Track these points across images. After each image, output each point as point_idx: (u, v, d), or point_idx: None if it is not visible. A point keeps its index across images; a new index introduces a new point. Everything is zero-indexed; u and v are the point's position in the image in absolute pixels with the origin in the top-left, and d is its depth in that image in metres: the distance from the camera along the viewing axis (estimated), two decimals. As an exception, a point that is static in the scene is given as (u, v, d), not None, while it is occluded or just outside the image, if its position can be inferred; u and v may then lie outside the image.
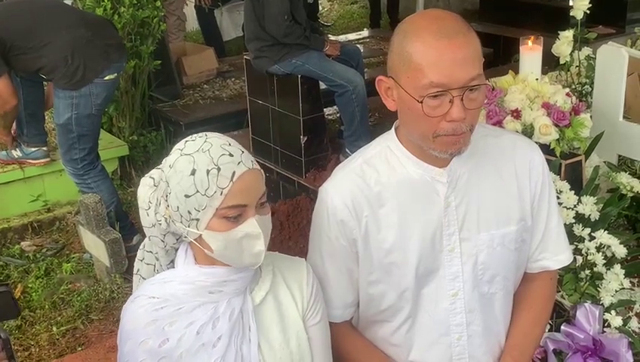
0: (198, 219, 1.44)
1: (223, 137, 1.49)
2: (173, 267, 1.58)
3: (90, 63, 3.83)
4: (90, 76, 3.84)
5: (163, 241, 1.56)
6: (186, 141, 1.48)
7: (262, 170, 1.50)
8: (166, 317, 1.47)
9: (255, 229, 1.45)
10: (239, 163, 1.44)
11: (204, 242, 1.46)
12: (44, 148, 4.57)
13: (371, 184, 1.64)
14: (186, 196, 1.43)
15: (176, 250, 1.58)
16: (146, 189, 1.54)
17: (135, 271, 1.66)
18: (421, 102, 1.48)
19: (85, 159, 4.03)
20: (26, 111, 4.31)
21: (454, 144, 1.54)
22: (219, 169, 1.41)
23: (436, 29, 1.46)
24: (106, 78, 3.90)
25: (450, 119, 1.49)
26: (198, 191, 1.41)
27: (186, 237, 1.50)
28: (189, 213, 1.44)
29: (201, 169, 1.42)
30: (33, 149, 4.52)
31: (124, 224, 4.17)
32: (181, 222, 1.47)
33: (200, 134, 1.49)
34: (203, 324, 1.48)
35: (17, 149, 4.53)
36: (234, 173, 1.42)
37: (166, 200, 1.48)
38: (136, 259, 1.66)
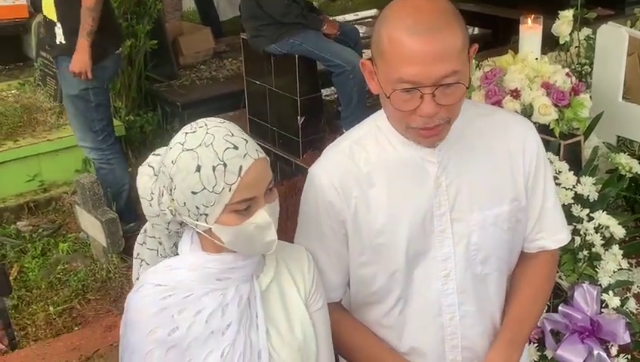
0: (207, 214, 1.41)
1: (224, 125, 1.43)
2: (176, 250, 1.55)
3: (113, 36, 3.93)
4: (111, 50, 3.91)
5: (167, 228, 1.53)
6: (186, 133, 1.42)
7: (267, 157, 1.46)
8: (174, 305, 1.44)
9: (265, 220, 1.42)
10: (245, 155, 1.39)
11: (214, 234, 1.44)
12: None
13: (360, 164, 1.62)
14: (193, 193, 1.39)
15: (179, 233, 1.55)
16: (145, 179, 1.50)
17: (135, 254, 1.63)
18: (389, 96, 1.46)
19: (105, 130, 4.06)
20: None
21: (427, 138, 1.52)
22: (225, 165, 1.37)
23: (411, 22, 1.42)
24: (116, 51, 4.00)
25: (420, 114, 1.47)
26: (205, 188, 1.38)
27: (194, 227, 1.47)
28: (197, 208, 1.40)
29: (206, 165, 1.37)
30: None
31: (129, 208, 4.15)
32: (189, 216, 1.43)
33: (199, 123, 1.44)
34: (212, 312, 1.45)
35: None
36: (241, 167, 1.38)
37: (170, 194, 1.44)
38: (136, 243, 1.63)
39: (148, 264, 1.60)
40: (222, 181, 1.37)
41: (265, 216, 1.42)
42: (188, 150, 1.39)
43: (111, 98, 5.15)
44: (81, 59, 3.75)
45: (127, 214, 4.04)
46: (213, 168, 1.37)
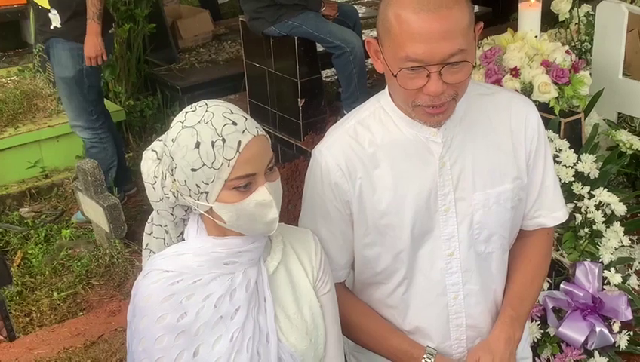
0: (207, 192, 1.41)
1: (224, 104, 1.45)
2: (183, 239, 1.55)
3: (105, 17, 3.93)
4: (104, 31, 3.93)
5: (172, 214, 1.53)
6: (186, 112, 1.44)
7: (267, 135, 1.46)
8: (183, 290, 1.44)
9: (266, 197, 1.42)
10: (244, 131, 1.40)
11: (215, 214, 1.44)
12: None
13: (365, 145, 1.62)
14: (193, 170, 1.39)
15: (185, 221, 1.55)
16: (149, 163, 1.50)
17: (144, 245, 1.63)
18: (396, 75, 1.46)
19: (98, 110, 4.15)
20: None
21: (433, 116, 1.52)
22: (224, 140, 1.37)
23: (418, 0, 1.41)
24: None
25: (426, 93, 1.47)
26: (204, 165, 1.38)
27: (196, 209, 1.48)
28: (198, 186, 1.41)
29: (205, 141, 1.38)
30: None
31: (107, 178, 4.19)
32: (190, 195, 1.43)
33: (200, 103, 1.45)
34: (220, 296, 1.45)
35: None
36: (239, 142, 1.38)
37: (172, 175, 1.44)
38: (144, 234, 1.63)
39: (155, 253, 1.59)
40: (220, 156, 1.37)
41: (265, 193, 1.42)
42: (187, 127, 1.40)
43: (110, 82, 5.18)
44: (95, 43, 3.86)
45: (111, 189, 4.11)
46: (212, 144, 1.37)
